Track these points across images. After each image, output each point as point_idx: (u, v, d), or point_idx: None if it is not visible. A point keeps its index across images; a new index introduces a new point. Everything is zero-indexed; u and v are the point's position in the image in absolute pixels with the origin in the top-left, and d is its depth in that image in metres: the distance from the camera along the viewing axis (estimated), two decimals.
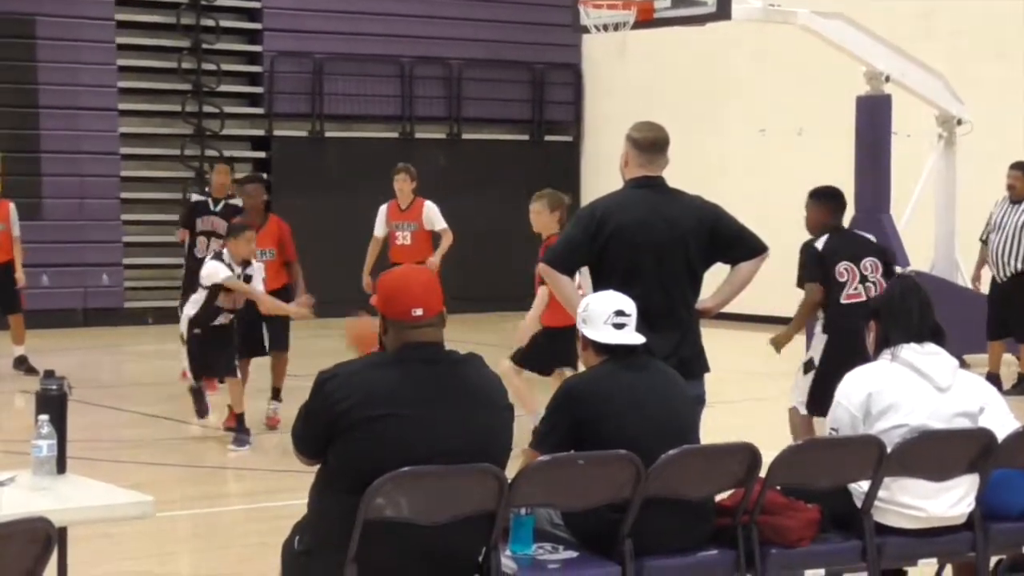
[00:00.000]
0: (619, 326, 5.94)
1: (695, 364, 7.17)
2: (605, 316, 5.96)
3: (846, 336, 9.01)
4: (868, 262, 9.50)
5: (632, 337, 5.94)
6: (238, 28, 22.51)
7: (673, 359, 6.68)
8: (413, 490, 4.97)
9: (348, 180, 21.56)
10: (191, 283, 12.75)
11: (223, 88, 22.13)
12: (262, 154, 22.45)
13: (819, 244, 9.55)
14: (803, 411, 9.54)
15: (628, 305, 6.01)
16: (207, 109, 21.89)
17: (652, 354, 6.17)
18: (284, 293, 12.31)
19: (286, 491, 9.50)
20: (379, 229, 14.49)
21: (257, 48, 22.42)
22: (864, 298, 9.30)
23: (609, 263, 7.09)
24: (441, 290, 5.26)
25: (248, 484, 10.63)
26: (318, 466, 5.16)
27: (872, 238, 9.97)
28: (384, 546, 4.98)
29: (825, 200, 9.77)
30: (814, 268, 9.45)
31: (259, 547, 8.60)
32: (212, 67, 21.89)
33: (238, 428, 11.52)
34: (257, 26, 22.41)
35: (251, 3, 22.43)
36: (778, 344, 9.55)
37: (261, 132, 22.46)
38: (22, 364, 15.42)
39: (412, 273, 5.36)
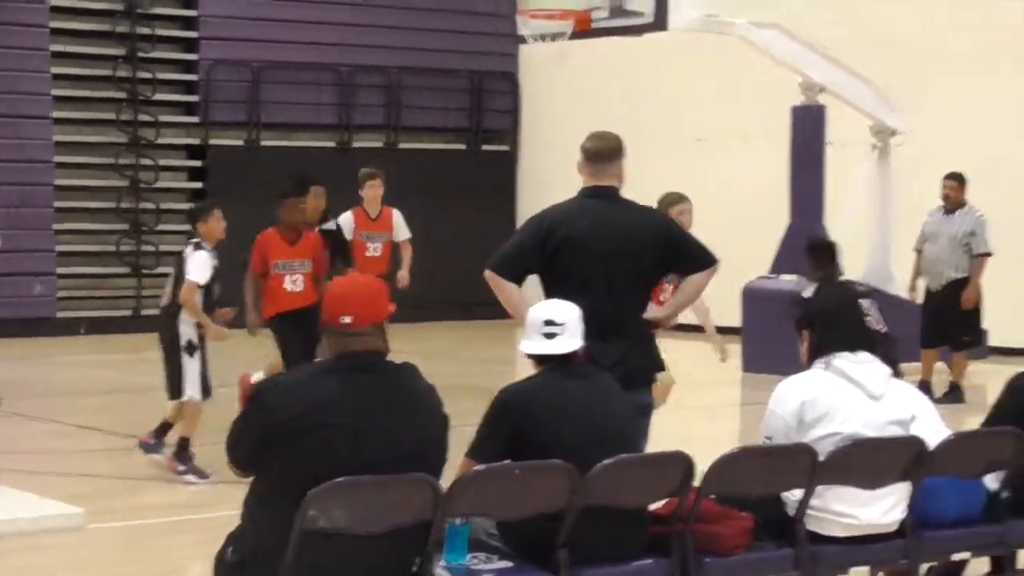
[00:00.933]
0: (549, 335, 5.95)
1: (643, 374, 7.19)
2: (536, 327, 5.97)
3: None
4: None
5: (564, 346, 5.94)
6: (174, 36, 22.39)
7: (621, 368, 6.68)
8: (348, 500, 4.95)
9: None
10: None
11: (158, 97, 22.01)
12: (198, 163, 22.35)
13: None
14: None
15: (560, 314, 6.00)
16: (142, 118, 21.77)
17: (595, 362, 6.18)
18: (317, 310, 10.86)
19: (218, 502, 9.45)
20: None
21: (193, 56, 22.32)
22: None
23: (558, 272, 7.09)
24: (386, 301, 5.24)
25: (180, 495, 10.55)
26: (252, 477, 5.14)
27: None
28: (319, 556, 4.96)
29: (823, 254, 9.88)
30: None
31: (191, 559, 8.56)
32: (147, 75, 21.77)
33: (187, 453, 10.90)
34: (193, 34, 22.31)
35: (187, 11, 22.33)
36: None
37: (197, 141, 22.35)
38: None
39: (357, 280, 5.36)
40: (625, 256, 7.09)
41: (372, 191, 13.82)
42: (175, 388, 10.80)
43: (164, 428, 11.02)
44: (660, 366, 7.51)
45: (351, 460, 4.95)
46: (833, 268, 9.76)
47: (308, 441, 4.95)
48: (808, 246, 9.95)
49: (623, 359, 6.95)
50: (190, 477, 10.70)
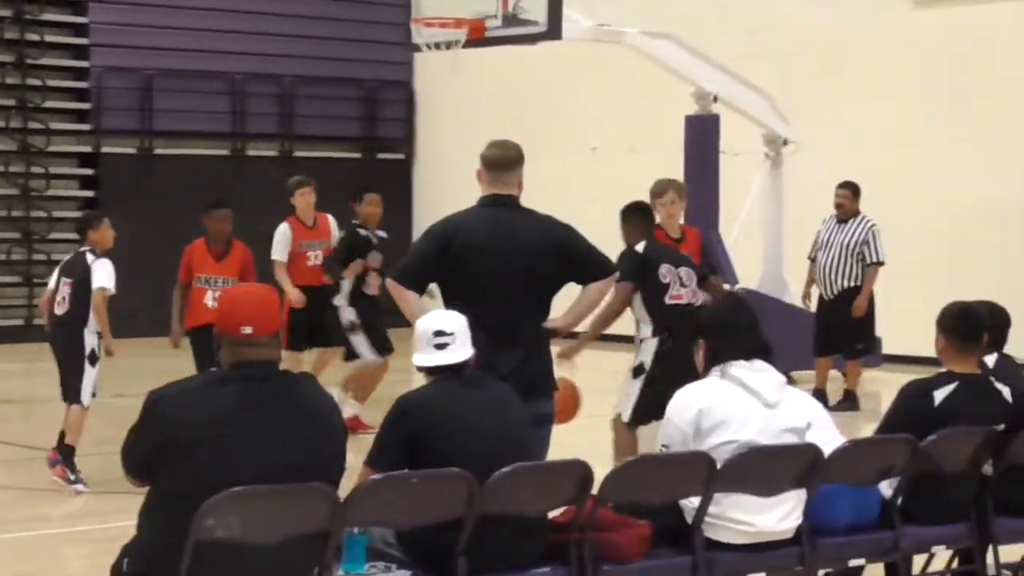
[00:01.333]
0: (440, 346, 5.95)
1: (543, 383, 7.20)
2: (426, 338, 5.96)
3: (674, 337, 9.21)
4: (683, 271, 9.70)
5: (455, 355, 5.94)
6: (64, 43, 22.14)
7: (518, 377, 6.69)
8: (245, 510, 4.92)
9: (179, 198, 21.27)
10: (372, 322, 12.68)
11: (49, 104, 21.75)
12: (90, 171, 22.11)
13: (639, 248, 9.73)
14: (626, 418, 9.67)
15: (449, 323, 6.00)
16: (32, 125, 21.49)
17: (492, 370, 6.18)
18: None
19: (113, 512, 9.35)
20: (282, 254, 13.17)
21: (84, 64, 22.07)
22: (685, 300, 9.50)
23: (457, 280, 7.10)
24: (278, 310, 5.23)
25: (75, 506, 10.44)
26: (147, 486, 5.10)
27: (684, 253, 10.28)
28: (215, 567, 4.92)
29: (634, 215, 10.03)
30: (635, 270, 9.57)
31: (87, 569, 8.46)
32: (37, 83, 21.51)
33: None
34: (84, 41, 22.07)
35: (78, 18, 22.09)
36: (568, 356, 9.54)
37: (88, 149, 22.11)
38: None
39: (249, 290, 5.33)
40: (521, 264, 7.11)
41: (304, 199, 13.52)
42: (74, 394, 10.75)
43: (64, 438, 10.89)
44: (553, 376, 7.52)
45: (247, 470, 4.92)
46: (650, 227, 10.12)
47: (203, 451, 4.91)
48: (623, 210, 10.27)
49: (520, 367, 6.96)
50: (80, 486, 10.62)
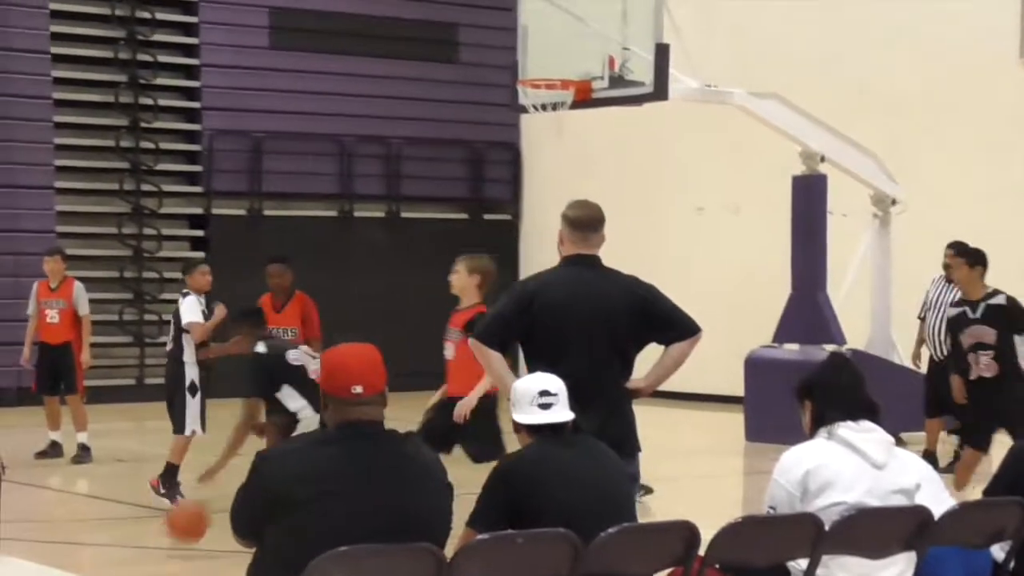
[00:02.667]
0: (545, 406, 5.97)
1: (626, 443, 7.17)
2: (530, 397, 5.99)
3: None
4: None
5: (559, 415, 5.97)
6: (177, 107, 22.51)
7: (600, 437, 6.68)
8: (352, 570, 4.93)
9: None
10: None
11: (161, 166, 22.10)
12: (200, 232, 22.40)
13: None
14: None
15: (553, 384, 6.03)
16: (145, 187, 21.85)
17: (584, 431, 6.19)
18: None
19: (221, 572, 9.40)
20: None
21: (196, 126, 22.42)
22: None
23: (537, 340, 7.12)
24: (384, 369, 5.26)
25: (185, 565, 10.51)
26: (254, 547, 5.13)
27: None
28: None
29: None
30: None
31: None
32: (150, 145, 21.87)
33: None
34: (196, 104, 22.42)
35: (190, 82, 22.45)
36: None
37: (199, 210, 22.42)
38: (86, 452, 14.79)
39: (356, 350, 5.34)
40: (602, 324, 7.12)
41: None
42: (179, 424, 11.96)
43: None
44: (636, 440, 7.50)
45: (353, 529, 4.93)
46: (262, 330, 10.88)
47: (308, 510, 4.94)
48: (240, 313, 11.25)
49: (602, 429, 6.94)
50: (167, 502, 11.40)
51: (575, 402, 6.27)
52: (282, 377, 10.58)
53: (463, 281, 10.93)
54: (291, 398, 10.50)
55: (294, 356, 10.62)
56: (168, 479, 11.85)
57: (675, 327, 7.30)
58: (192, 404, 11.94)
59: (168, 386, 12.36)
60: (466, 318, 10.61)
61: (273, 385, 10.65)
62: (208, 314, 12.19)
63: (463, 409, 10.41)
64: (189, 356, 12.06)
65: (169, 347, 12.38)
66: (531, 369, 7.01)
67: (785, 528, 5.99)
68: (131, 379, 21.26)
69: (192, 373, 12.00)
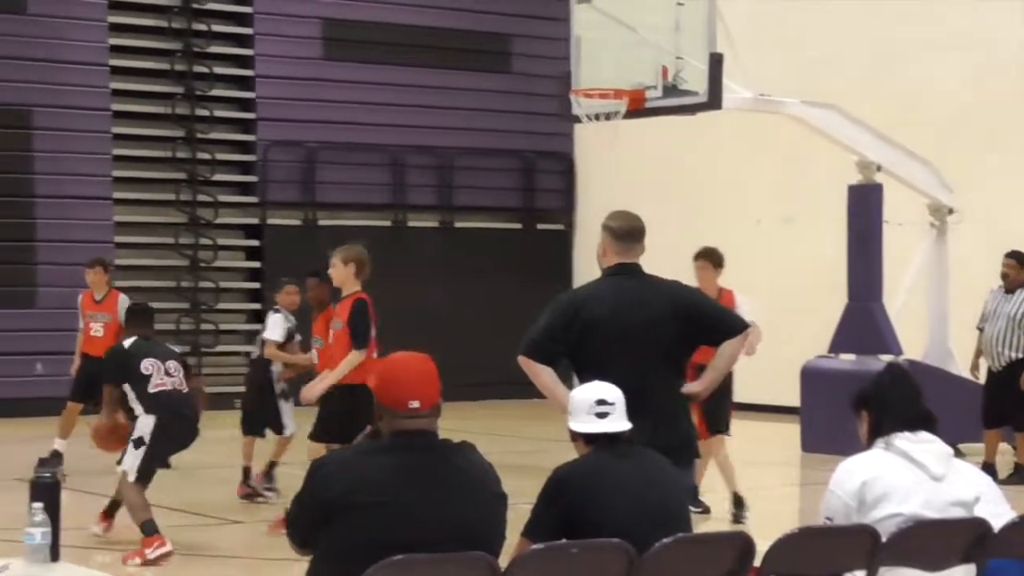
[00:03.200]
0: (601, 415, 5.96)
1: (679, 452, 7.13)
2: (587, 406, 5.99)
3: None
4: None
5: (616, 424, 5.96)
6: (232, 118, 22.64)
7: (652, 447, 6.65)
8: None
9: None
10: None
11: (217, 177, 22.23)
12: (255, 243, 22.52)
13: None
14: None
15: (610, 393, 6.03)
16: (201, 198, 21.98)
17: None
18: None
19: None
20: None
21: (250, 137, 22.54)
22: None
23: (584, 352, 7.11)
24: (439, 381, 5.25)
25: (236, 572, 10.56)
26: (310, 554, 5.15)
27: None
28: None
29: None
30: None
31: None
32: (206, 156, 22.00)
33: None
34: (251, 116, 22.54)
35: (245, 93, 22.58)
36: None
37: (254, 221, 22.54)
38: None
39: (411, 361, 5.33)
40: (649, 332, 7.11)
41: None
42: (278, 427, 13.05)
43: (271, 467, 13.10)
44: (695, 445, 7.48)
45: (406, 537, 4.95)
46: (149, 330, 11.26)
47: (361, 517, 4.96)
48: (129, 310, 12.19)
49: (652, 436, 6.91)
50: (271, 495, 12.88)
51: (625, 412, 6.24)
52: (124, 377, 10.73)
53: (341, 272, 11.28)
54: (131, 399, 10.66)
55: (145, 365, 10.75)
56: (270, 473, 13.08)
57: (722, 326, 7.30)
58: (286, 407, 13.06)
59: (250, 390, 13.37)
60: (347, 307, 10.98)
61: (120, 378, 10.82)
62: (295, 329, 13.19)
63: (310, 394, 10.94)
64: (277, 365, 13.09)
65: (255, 354, 13.49)
66: (581, 381, 7.00)
67: (841, 539, 5.95)
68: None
69: (279, 380, 13.11)
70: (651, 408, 7.01)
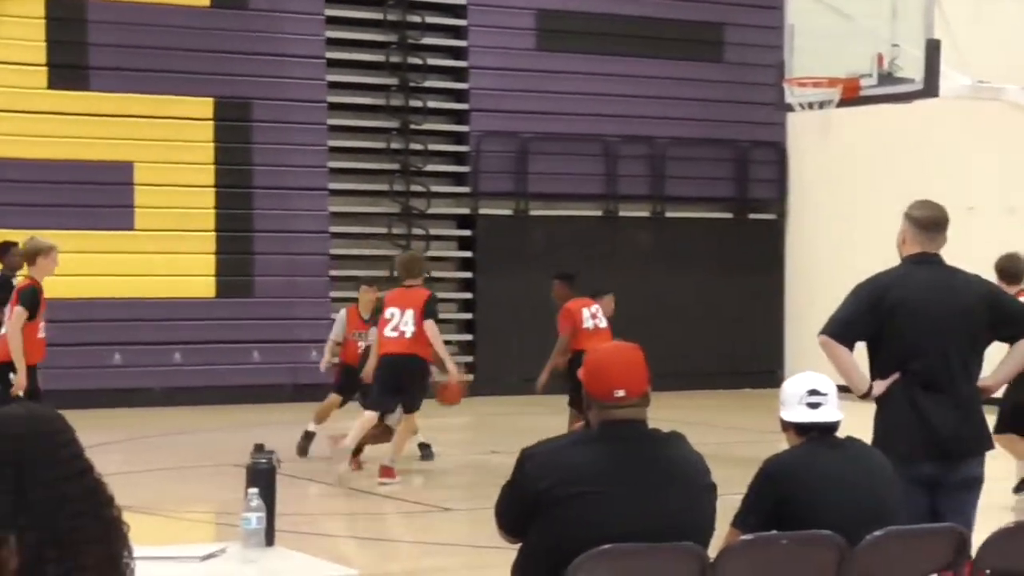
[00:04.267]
0: (813, 405, 5.92)
1: (977, 444, 7.10)
2: (799, 396, 5.95)
3: None
4: None
5: (828, 415, 5.91)
6: (445, 109, 22.87)
7: (957, 438, 6.76)
8: (614, 568, 4.97)
9: (552, 258, 21.67)
10: None
11: (430, 168, 22.48)
12: (467, 232, 22.72)
13: None
14: None
15: (823, 384, 5.98)
16: (414, 188, 22.25)
17: (926, 430, 6.15)
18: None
19: (487, 567, 9.53)
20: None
21: (464, 128, 22.74)
22: None
23: (888, 338, 7.07)
24: (647, 370, 5.27)
25: (449, 559, 10.69)
26: (519, 542, 5.20)
27: None
28: None
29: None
30: None
31: None
32: (419, 147, 22.27)
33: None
34: (464, 107, 22.74)
35: (458, 84, 22.80)
36: None
37: (467, 211, 22.74)
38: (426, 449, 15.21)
39: (619, 351, 5.37)
40: (958, 321, 7.08)
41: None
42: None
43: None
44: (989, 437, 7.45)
45: (615, 527, 4.97)
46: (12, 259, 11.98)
47: (571, 507, 4.99)
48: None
49: (959, 427, 6.90)
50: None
51: (931, 400, 6.24)
52: None
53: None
54: None
55: None
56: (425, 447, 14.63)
57: (1020, 324, 7.23)
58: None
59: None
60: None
61: None
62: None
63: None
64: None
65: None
66: (876, 368, 7.00)
67: None
68: None
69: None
70: (957, 397, 6.99)
